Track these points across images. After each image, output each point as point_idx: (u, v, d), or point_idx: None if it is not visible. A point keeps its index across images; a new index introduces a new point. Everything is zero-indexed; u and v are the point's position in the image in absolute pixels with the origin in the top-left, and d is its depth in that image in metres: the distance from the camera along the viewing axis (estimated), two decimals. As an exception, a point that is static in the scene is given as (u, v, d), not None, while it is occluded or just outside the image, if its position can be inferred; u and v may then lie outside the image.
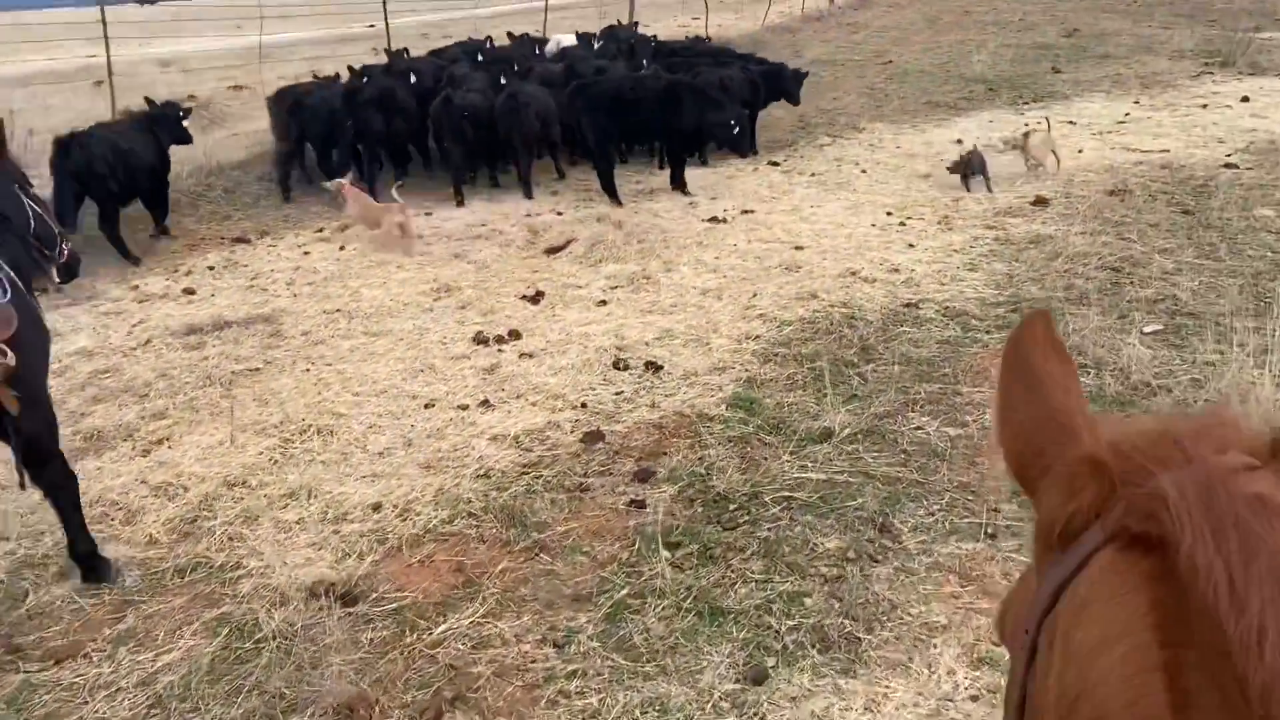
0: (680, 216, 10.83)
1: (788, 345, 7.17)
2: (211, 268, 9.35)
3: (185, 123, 10.91)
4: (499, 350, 7.24)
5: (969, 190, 11.07)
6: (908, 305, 7.89)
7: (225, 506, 5.16)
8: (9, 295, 4.01)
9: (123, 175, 9.55)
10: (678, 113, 11.70)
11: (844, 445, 5.64)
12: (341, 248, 9.90)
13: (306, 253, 9.80)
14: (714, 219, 10.63)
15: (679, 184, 12.06)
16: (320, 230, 10.59)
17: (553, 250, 9.69)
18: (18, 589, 4.48)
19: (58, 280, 5.00)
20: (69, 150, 9.28)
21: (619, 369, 6.84)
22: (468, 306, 8.18)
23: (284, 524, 5.01)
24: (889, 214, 10.57)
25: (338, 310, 8.10)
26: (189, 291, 8.67)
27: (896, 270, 8.71)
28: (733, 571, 4.52)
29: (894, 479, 5.28)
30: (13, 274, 4.14)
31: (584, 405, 6.28)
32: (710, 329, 7.51)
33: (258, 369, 6.97)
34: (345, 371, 6.90)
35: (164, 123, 10.60)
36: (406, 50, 18.65)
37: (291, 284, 8.82)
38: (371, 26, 33.35)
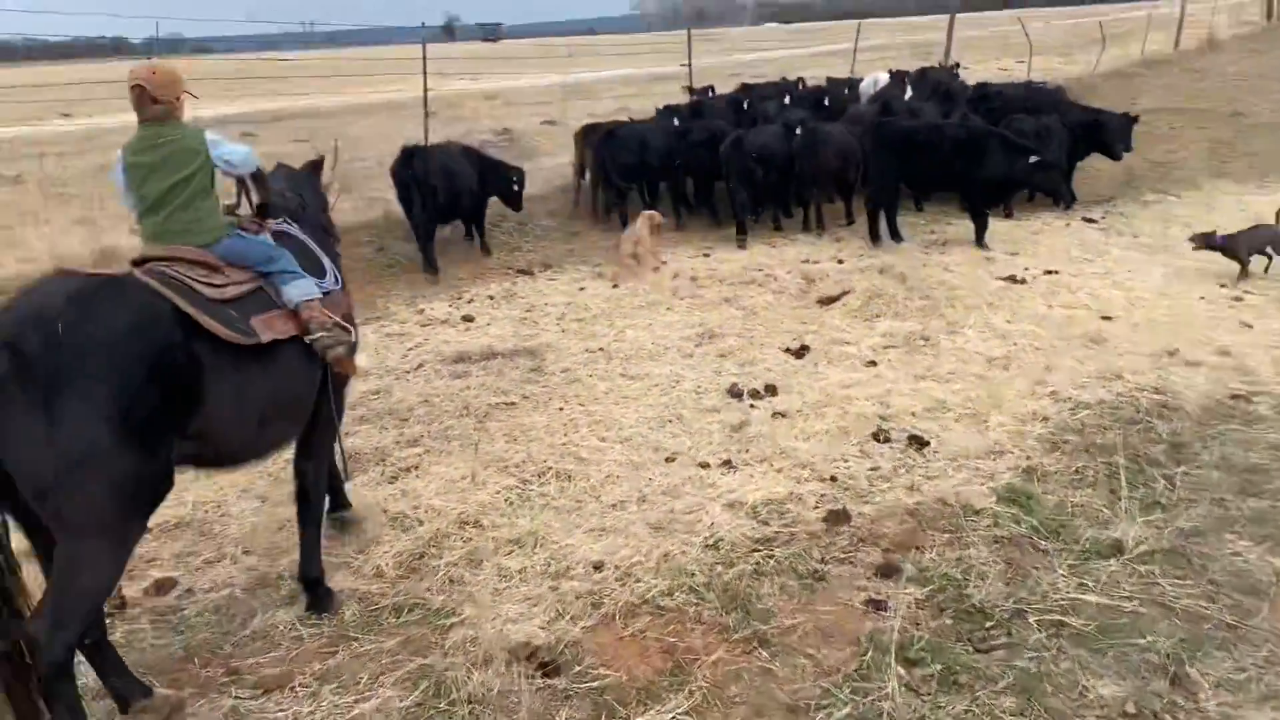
0: (972, 273, 9.97)
1: (1080, 432, 6.25)
2: (492, 297, 9.65)
3: (515, 186, 11.51)
4: (752, 406, 6.83)
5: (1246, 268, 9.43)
6: (1237, 397, 6.70)
7: (454, 545, 5.09)
8: (340, 284, 4.67)
9: (446, 193, 10.43)
10: (979, 162, 10.84)
11: (1136, 565, 4.74)
12: (615, 285, 9.91)
13: (582, 288, 9.89)
14: (1011, 278, 9.69)
15: (980, 241, 11.17)
16: (597, 266, 10.69)
17: (826, 301, 9.17)
18: (248, 608, 4.59)
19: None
20: (410, 160, 10.30)
21: (879, 440, 6.23)
22: (728, 355, 7.84)
23: (506, 572, 4.85)
24: (1222, 285, 9.18)
25: (600, 349, 8.03)
26: (467, 319, 8.95)
27: (1226, 353, 7.45)
28: (978, 706, 3.83)
29: (1197, 616, 4.34)
30: (339, 272, 4.77)
31: (833, 479, 5.74)
32: (991, 404, 6.72)
33: (514, 403, 6.98)
34: (595, 414, 6.76)
35: (498, 174, 11.35)
36: (711, 88, 18.83)
37: (561, 319, 8.88)
38: (683, 65, 34.26)
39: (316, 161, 5.49)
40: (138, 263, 4.08)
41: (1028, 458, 5.93)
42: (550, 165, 15.74)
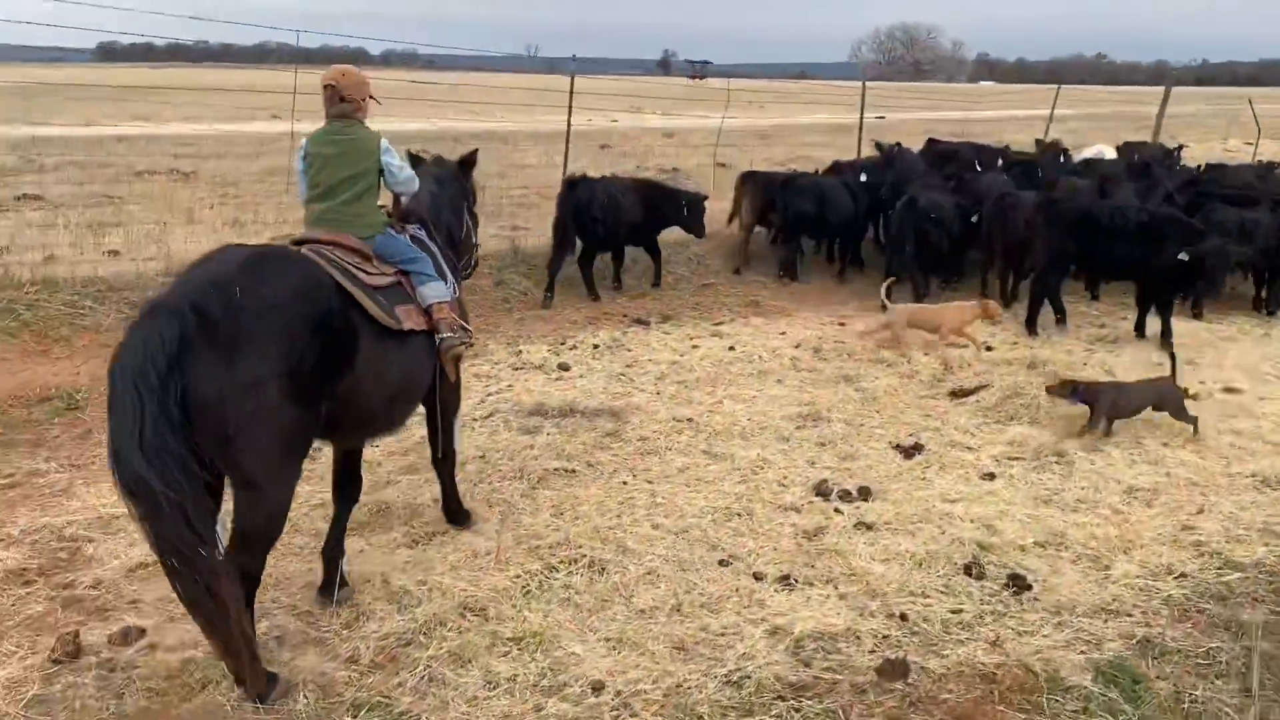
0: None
1: (1224, 601, 5.13)
2: (597, 346, 9.15)
3: (685, 211, 11.34)
4: (836, 510, 6.00)
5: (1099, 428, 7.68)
6: None
7: (447, 635, 4.53)
8: (456, 292, 5.06)
9: (609, 222, 10.57)
10: (1158, 249, 9.60)
11: (1260, 802, 3.70)
12: (731, 348, 9.23)
13: (695, 346, 9.27)
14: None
15: (1166, 338, 9.92)
16: (720, 323, 10.04)
17: (960, 394, 8.19)
18: (201, 678, 4.15)
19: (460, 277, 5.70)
20: (574, 188, 10.52)
21: (971, 575, 5.29)
22: (828, 445, 7.03)
23: (493, 677, 4.26)
24: None
25: (689, 419, 7.37)
26: (563, 367, 8.47)
27: None
28: None
29: None
30: (454, 278, 5.14)
31: (903, 617, 4.86)
32: (1119, 546, 5.65)
33: (574, 470, 6.41)
34: (659, 495, 6.10)
35: (674, 202, 11.33)
36: (899, 144, 17.84)
37: (661, 379, 8.27)
38: (881, 118, 33.18)
39: (467, 158, 5.85)
40: (298, 243, 4.53)
41: (1148, 624, 4.88)
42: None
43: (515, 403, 7.55)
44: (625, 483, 6.26)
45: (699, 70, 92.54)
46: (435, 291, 4.72)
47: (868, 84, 20.70)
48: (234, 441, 3.66)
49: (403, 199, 5.26)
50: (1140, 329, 10.40)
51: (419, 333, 4.61)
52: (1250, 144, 27.15)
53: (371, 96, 4.84)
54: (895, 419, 7.60)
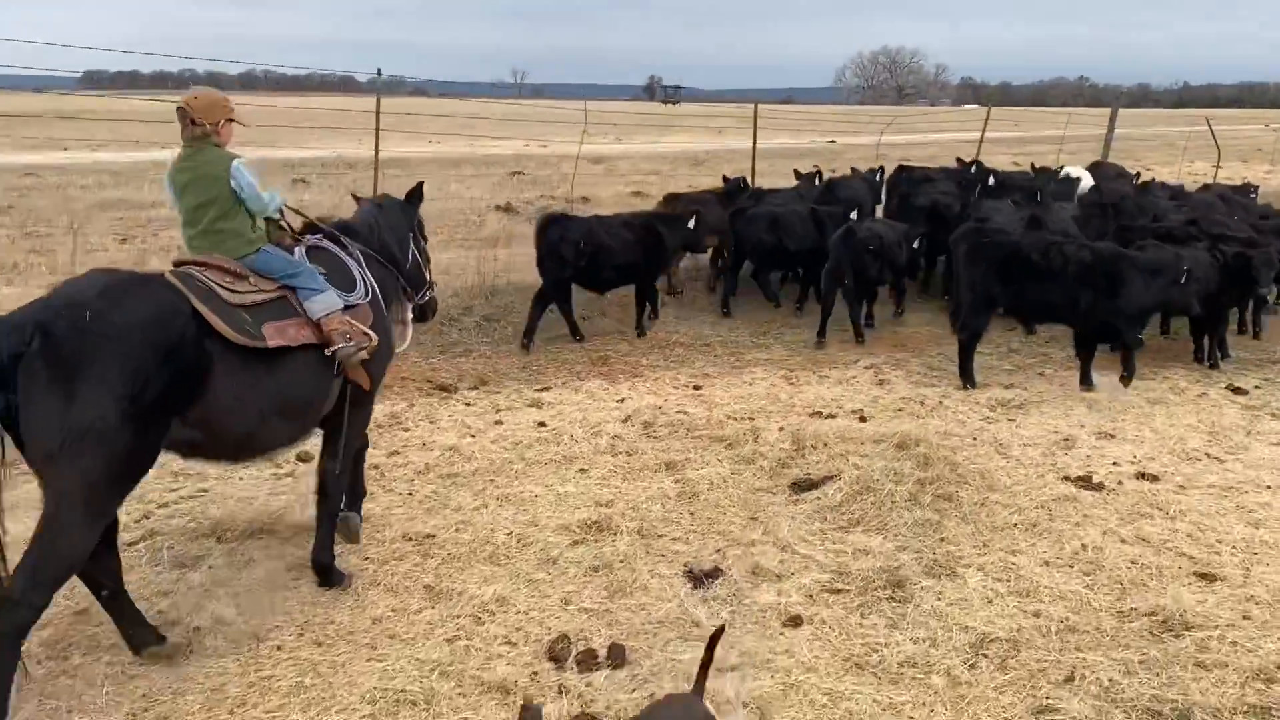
0: (1036, 463, 7.03)
1: None
2: (381, 425, 7.40)
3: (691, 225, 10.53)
4: (560, 691, 4.27)
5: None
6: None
7: None
8: (369, 297, 4.93)
9: (588, 262, 9.60)
10: (1092, 291, 8.28)
11: None
12: (542, 424, 7.50)
13: (498, 422, 7.52)
14: (1084, 479, 6.72)
15: (1085, 382, 8.71)
16: (544, 389, 8.31)
17: (802, 486, 6.48)
18: None
19: (410, 317, 5.76)
20: (547, 229, 9.64)
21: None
22: (601, 570, 5.28)
23: None
24: None
25: (428, 536, 5.61)
26: (301, 459, 6.68)
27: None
28: None
29: None
30: (375, 285, 5.05)
31: None
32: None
33: (199, 627, 4.64)
34: (319, 668, 4.36)
35: (673, 223, 10.45)
36: (881, 170, 16.15)
37: (422, 474, 6.50)
38: (832, 142, 31.65)
39: (413, 191, 5.80)
40: (177, 264, 4.47)
41: None
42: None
43: (191, 518, 5.75)
44: (278, 649, 4.51)
45: (672, 95, 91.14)
46: (324, 304, 4.60)
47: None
48: (58, 459, 3.68)
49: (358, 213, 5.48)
50: (1086, 379, 9.00)
51: (304, 348, 4.51)
52: (1217, 166, 25.65)
53: (233, 119, 4.68)
54: (707, 525, 5.89)
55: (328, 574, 5.00)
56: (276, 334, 4.37)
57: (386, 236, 5.43)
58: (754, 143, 16.18)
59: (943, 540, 5.75)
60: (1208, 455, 7.39)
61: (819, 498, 6.27)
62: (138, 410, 3.75)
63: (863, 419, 7.90)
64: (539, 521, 5.82)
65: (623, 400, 8.06)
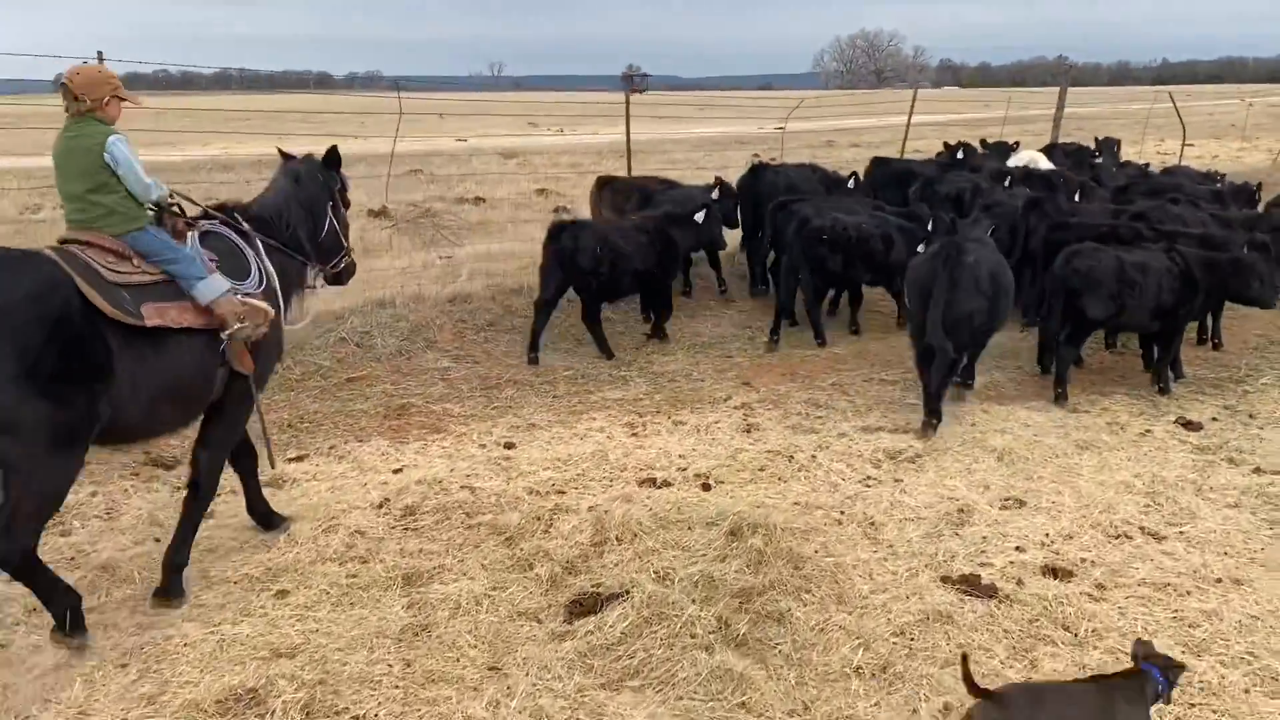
0: (913, 554, 5.27)
1: None
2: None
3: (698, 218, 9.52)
4: None
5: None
6: None
7: None
8: (263, 287, 4.85)
9: (608, 270, 8.65)
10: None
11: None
12: (265, 530, 5.66)
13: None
14: (970, 581, 4.96)
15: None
16: (300, 457, 6.42)
17: (582, 608, 4.68)
18: None
19: (322, 283, 5.61)
20: (559, 236, 8.61)
21: None
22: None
23: None
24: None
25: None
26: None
27: None
28: None
29: None
30: (272, 271, 4.96)
31: None
32: None
33: None
34: None
35: (682, 223, 9.44)
36: (815, 168, 14.26)
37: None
38: (781, 129, 29.77)
39: (330, 155, 5.49)
40: (62, 242, 4.39)
41: None
42: (477, 253, 11.71)
43: None
44: None
45: (638, 84, 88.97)
46: (210, 289, 4.47)
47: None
48: None
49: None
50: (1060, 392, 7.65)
51: (189, 333, 4.42)
52: (1191, 145, 23.88)
53: (119, 96, 4.49)
54: (418, 688, 4.07)
55: (175, 579, 4.73)
56: (155, 314, 4.29)
57: (297, 218, 5.24)
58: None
59: (743, 706, 3.96)
60: (1142, 530, 5.63)
61: (593, 630, 4.47)
62: (41, 382, 3.81)
63: (706, 486, 6.11)
64: (164, 695, 4.00)
65: (399, 470, 6.23)
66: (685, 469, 6.38)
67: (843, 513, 5.79)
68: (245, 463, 5.33)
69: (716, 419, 7.33)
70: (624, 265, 8.73)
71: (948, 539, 5.47)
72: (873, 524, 5.62)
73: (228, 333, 4.49)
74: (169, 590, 4.67)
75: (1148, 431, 7.24)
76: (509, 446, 6.68)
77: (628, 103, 14.18)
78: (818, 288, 9.44)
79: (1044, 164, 14.16)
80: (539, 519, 5.51)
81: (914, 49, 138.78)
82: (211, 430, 4.85)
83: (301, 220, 5.26)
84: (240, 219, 4.98)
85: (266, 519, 5.40)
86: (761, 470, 6.43)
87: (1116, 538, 5.53)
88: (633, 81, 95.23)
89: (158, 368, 4.30)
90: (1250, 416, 7.60)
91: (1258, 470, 6.54)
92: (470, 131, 25.75)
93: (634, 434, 7.01)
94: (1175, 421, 7.43)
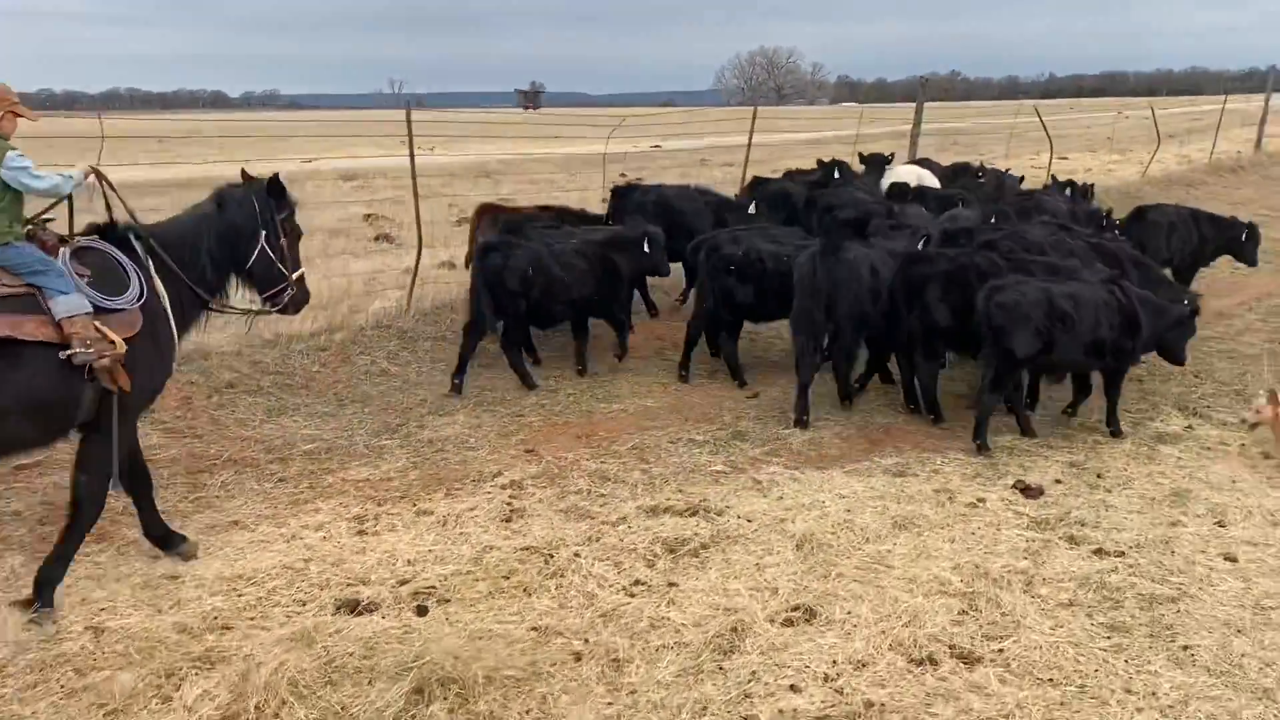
0: (583, 691, 4.02)
1: None
2: None
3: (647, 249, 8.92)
4: None
5: None
6: None
7: None
8: (139, 303, 4.66)
9: (539, 294, 8.16)
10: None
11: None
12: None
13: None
14: None
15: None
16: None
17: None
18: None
19: (271, 309, 5.48)
20: (487, 255, 8.14)
21: None
22: None
23: None
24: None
25: None
26: None
27: None
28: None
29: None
30: (160, 291, 4.81)
31: None
32: None
33: None
34: None
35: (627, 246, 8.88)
36: (703, 190, 12.96)
37: None
38: (657, 147, 28.76)
39: (272, 182, 5.35)
40: None
41: None
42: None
43: None
44: None
45: (531, 100, 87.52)
46: (67, 306, 4.40)
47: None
48: None
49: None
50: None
51: (46, 346, 4.34)
52: (1064, 158, 23.56)
53: (17, 113, 4.51)
54: None
55: (44, 593, 4.62)
56: (7, 326, 4.24)
57: (206, 244, 5.07)
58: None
59: None
60: (951, 650, 4.50)
61: None
62: None
63: (422, 610, 4.79)
64: None
65: (15, 604, 4.75)
66: (406, 582, 5.04)
67: (587, 641, 4.53)
68: (139, 486, 5.13)
69: (474, 505, 6.00)
70: (558, 290, 8.22)
71: (707, 678, 4.25)
72: (618, 661, 4.37)
73: (67, 354, 4.35)
74: (41, 599, 4.60)
75: (979, 501, 6.16)
76: (185, 559, 5.24)
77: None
78: (729, 322, 8.57)
79: (928, 179, 13.32)
80: (168, 678, 4.11)
81: (812, 65, 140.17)
82: (87, 452, 4.71)
83: (213, 247, 5.09)
84: (136, 238, 4.83)
85: (165, 540, 5.21)
86: (507, 578, 5.14)
87: (919, 664, 4.38)
88: (525, 97, 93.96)
89: (11, 380, 4.26)
90: (1098, 477, 6.60)
91: (1099, 551, 5.50)
92: (346, 151, 24.17)
93: (360, 531, 5.64)
94: (1013, 486, 6.38)
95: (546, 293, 8.17)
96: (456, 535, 5.64)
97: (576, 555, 5.38)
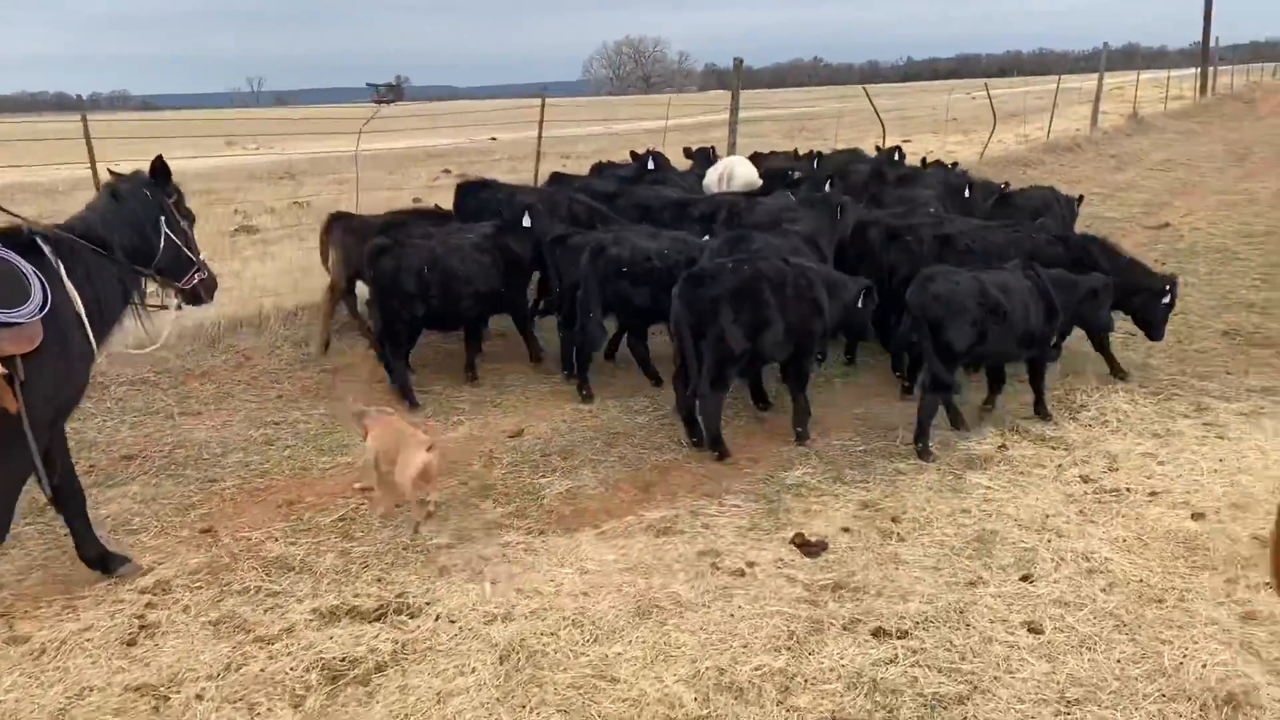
0: None
1: None
2: None
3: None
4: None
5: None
6: None
7: None
8: (42, 314, 4.32)
9: (438, 295, 7.47)
10: None
11: None
12: None
13: None
14: None
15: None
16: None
17: None
18: None
19: (177, 303, 5.24)
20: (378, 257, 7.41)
21: None
22: None
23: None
24: None
25: None
26: None
27: None
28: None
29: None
30: (70, 296, 4.50)
31: None
32: None
33: None
34: None
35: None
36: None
37: None
38: (493, 139, 27.29)
39: (156, 166, 5.09)
40: None
41: None
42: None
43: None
44: None
45: (384, 95, 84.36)
46: None
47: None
48: None
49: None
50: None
51: None
52: (909, 140, 23.14)
53: None
54: None
55: None
56: None
57: (124, 235, 4.84)
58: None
59: None
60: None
61: None
62: None
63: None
64: None
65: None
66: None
67: None
68: (71, 504, 4.88)
69: (89, 624, 4.54)
70: (458, 289, 7.57)
71: None
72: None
73: None
74: None
75: (748, 567, 5.04)
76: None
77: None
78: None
79: (744, 172, 12.21)
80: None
81: (679, 54, 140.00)
82: None
83: (126, 241, 4.86)
84: (45, 240, 4.55)
85: (103, 562, 4.94)
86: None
87: None
88: (377, 91, 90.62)
89: None
90: (893, 521, 5.56)
91: (879, 632, 4.42)
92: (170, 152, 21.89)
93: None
94: (792, 541, 5.29)
95: (447, 292, 7.50)
96: (51, 672, 4.20)
97: (199, 696, 4.01)
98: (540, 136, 12.16)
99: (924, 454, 6.43)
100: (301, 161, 20.58)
